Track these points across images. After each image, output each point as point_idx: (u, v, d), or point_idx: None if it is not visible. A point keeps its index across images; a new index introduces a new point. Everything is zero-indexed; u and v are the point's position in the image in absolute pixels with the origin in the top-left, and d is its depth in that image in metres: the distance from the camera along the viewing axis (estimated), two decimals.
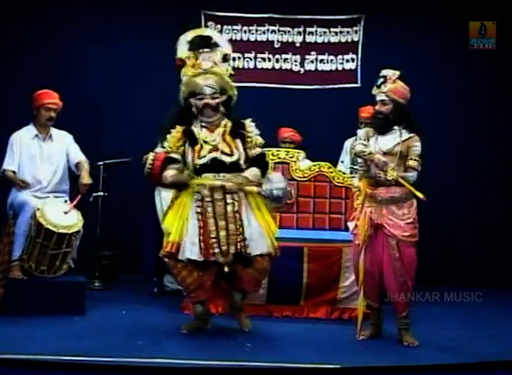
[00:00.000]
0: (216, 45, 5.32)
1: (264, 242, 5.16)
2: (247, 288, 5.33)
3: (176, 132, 5.25)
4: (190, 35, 5.36)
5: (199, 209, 5.10)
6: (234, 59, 7.67)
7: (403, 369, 4.46)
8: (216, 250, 5.06)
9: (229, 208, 5.10)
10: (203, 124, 5.25)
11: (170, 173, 5.20)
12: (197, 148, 5.18)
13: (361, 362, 4.75)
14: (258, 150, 5.30)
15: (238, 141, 5.24)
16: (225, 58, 5.34)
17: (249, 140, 5.25)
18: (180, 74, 5.32)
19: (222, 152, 5.17)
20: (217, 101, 5.20)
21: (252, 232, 5.13)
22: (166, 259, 5.16)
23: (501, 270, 7.59)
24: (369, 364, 4.63)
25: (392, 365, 4.62)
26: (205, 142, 5.19)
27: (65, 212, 6.00)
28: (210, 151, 5.16)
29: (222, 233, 5.08)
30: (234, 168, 5.18)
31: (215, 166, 5.15)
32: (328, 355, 4.87)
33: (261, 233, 5.15)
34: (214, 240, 5.06)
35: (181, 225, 5.12)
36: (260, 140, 5.30)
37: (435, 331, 5.60)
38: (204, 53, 5.26)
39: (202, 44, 5.30)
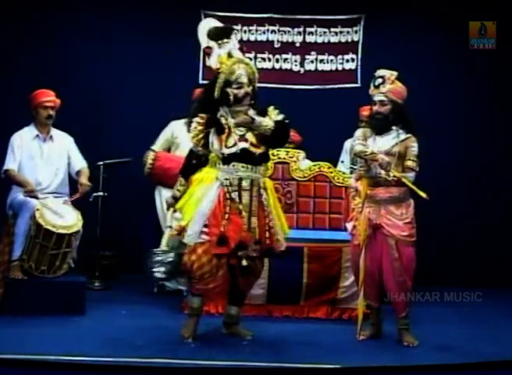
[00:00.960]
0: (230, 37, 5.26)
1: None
2: (245, 288, 5.30)
3: (199, 123, 5.10)
4: (208, 25, 5.36)
5: (222, 197, 4.96)
6: None
7: (403, 369, 4.47)
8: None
9: (255, 200, 5.02)
10: (232, 114, 5.09)
11: (175, 192, 5.19)
12: (224, 136, 5.04)
13: (361, 362, 4.75)
14: (281, 116, 5.15)
15: None
16: (241, 49, 5.27)
17: (269, 114, 5.13)
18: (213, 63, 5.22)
19: (251, 144, 5.05)
20: (250, 90, 5.09)
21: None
22: (187, 242, 4.98)
23: (501, 270, 7.59)
24: (369, 364, 4.63)
25: (392, 365, 4.62)
26: (231, 131, 5.05)
27: (63, 203, 6.06)
28: (238, 141, 5.03)
29: (255, 229, 5.00)
30: (261, 160, 5.11)
31: (245, 157, 5.03)
32: (328, 355, 4.87)
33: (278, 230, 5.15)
34: (248, 234, 4.96)
35: (194, 209, 4.96)
36: (278, 116, 5.14)
37: (435, 331, 5.60)
38: (225, 43, 5.18)
39: (222, 34, 5.23)
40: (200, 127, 5.08)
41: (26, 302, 5.72)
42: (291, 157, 6.34)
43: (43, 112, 6.18)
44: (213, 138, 5.06)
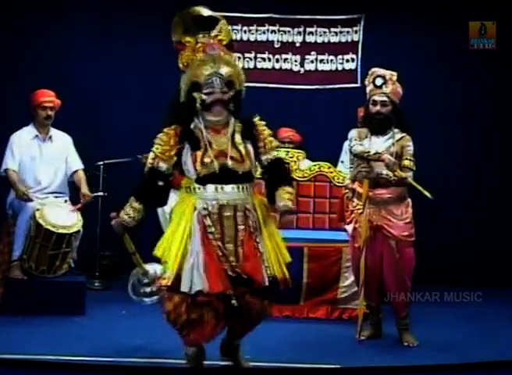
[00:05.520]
0: (219, 29, 4.36)
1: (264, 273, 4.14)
2: (240, 332, 4.38)
3: (169, 132, 4.20)
4: (187, 15, 4.40)
5: (203, 229, 4.11)
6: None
7: (403, 369, 4.46)
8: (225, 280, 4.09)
9: (241, 228, 4.14)
10: (207, 124, 4.21)
11: (123, 216, 4.23)
12: (200, 152, 4.15)
13: (361, 362, 4.76)
14: (274, 154, 4.32)
15: (249, 145, 4.23)
16: (230, 46, 4.37)
17: (262, 143, 4.26)
18: (179, 61, 4.37)
19: (232, 159, 4.15)
20: (228, 96, 4.16)
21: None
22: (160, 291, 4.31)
23: (501, 270, 7.59)
24: (369, 364, 4.64)
25: (392, 365, 4.62)
26: (210, 146, 4.16)
27: (71, 211, 6.06)
28: (216, 157, 4.13)
29: (232, 259, 4.10)
30: (246, 178, 4.19)
31: (224, 176, 4.14)
32: (328, 355, 4.87)
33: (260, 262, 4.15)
34: (224, 267, 4.10)
35: (180, 251, 4.11)
36: (275, 142, 4.35)
37: (435, 331, 5.61)
38: (205, 37, 4.29)
39: (203, 26, 4.32)
40: (172, 141, 4.18)
41: (26, 302, 5.73)
42: (291, 157, 6.35)
43: (42, 113, 6.18)
44: (187, 156, 4.18)
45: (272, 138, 4.32)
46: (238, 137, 4.21)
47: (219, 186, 4.13)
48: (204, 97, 4.15)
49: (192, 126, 4.25)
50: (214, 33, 4.30)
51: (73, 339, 5.09)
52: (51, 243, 5.88)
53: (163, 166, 4.19)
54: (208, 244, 4.10)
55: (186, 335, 4.22)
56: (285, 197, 4.24)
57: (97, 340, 5.08)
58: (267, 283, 4.12)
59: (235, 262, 4.10)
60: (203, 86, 4.15)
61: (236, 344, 4.42)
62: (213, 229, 4.11)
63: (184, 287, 4.08)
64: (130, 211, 4.23)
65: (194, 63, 4.22)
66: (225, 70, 4.17)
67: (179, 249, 4.10)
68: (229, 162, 4.14)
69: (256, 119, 4.31)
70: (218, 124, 4.21)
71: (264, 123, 4.33)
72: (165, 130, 4.21)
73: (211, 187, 4.14)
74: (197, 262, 4.07)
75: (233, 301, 4.09)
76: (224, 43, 4.30)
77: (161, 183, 4.20)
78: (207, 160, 4.13)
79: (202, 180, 4.16)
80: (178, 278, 4.08)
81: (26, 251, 5.88)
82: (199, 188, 4.16)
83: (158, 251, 4.22)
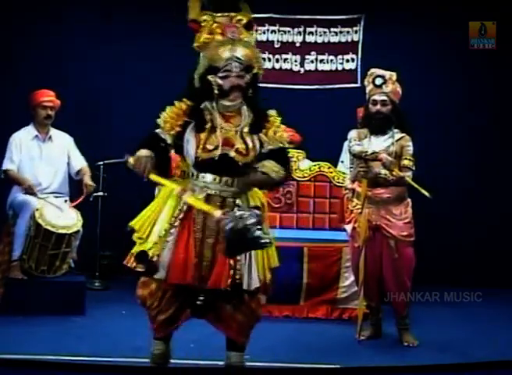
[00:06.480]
0: (239, 8, 4.12)
1: (256, 275, 3.90)
2: (231, 335, 4.05)
3: (177, 105, 3.99)
4: None
5: (182, 216, 3.90)
6: None
7: (403, 369, 4.46)
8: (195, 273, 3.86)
9: None
10: (219, 108, 3.96)
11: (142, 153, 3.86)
12: (204, 135, 3.89)
13: (361, 362, 4.76)
14: (279, 144, 4.03)
15: (256, 138, 3.96)
16: (249, 26, 4.19)
17: (269, 133, 4.00)
18: (195, 42, 4.04)
19: (237, 150, 3.90)
20: (245, 80, 3.94)
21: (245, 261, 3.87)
22: (141, 276, 4.18)
23: (501, 270, 7.59)
24: (369, 364, 4.64)
25: (392, 365, 4.62)
26: (216, 131, 3.91)
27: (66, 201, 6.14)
28: (220, 145, 3.89)
29: (208, 254, 3.87)
30: (245, 171, 3.92)
31: (224, 165, 3.88)
32: (328, 355, 4.87)
33: (253, 262, 3.89)
34: (195, 260, 3.86)
35: (163, 236, 3.96)
36: (285, 135, 4.09)
37: (435, 331, 5.61)
38: (224, 17, 4.03)
39: (222, 4, 4.08)
40: (178, 114, 3.96)
41: (26, 302, 5.73)
42: (291, 157, 6.34)
43: (42, 112, 6.19)
44: (190, 135, 3.92)
45: (282, 131, 4.06)
46: (246, 129, 3.96)
47: (215, 176, 3.89)
48: (219, 81, 3.91)
49: (202, 105, 3.99)
50: (233, 13, 4.08)
51: (73, 339, 5.09)
52: (50, 243, 5.89)
53: (165, 135, 3.96)
54: (185, 234, 3.89)
55: (157, 324, 4.07)
56: (273, 168, 3.91)
57: (97, 340, 5.08)
58: (229, 288, 3.81)
59: (209, 259, 3.86)
60: (220, 70, 3.91)
61: (238, 365, 4.07)
62: (197, 219, 3.88)
63: (160, 275, 3.99)
64: (144, 152, 3.88)
65: (212, 46, 3.98)
66: (243, 53, 3.99)
67: (162, 233, 3.95)
68: (232, 153, 3.88)
69: (271, 112, 4.08)
70: (230, 111, 3.97)
71: (279, 118, 4.08)
72: (176, 104, 4.01)
73: (206, 177, 3.90)
74: (167, 249, 3.91)
75: (200, 298, 3.86)
76: (243, 23, 4.12)
77: (163, 144, 3.93)
78: (209, 147, 3.88)
79: (200, 166, 3.92)
80: (156, 263, 3.95)
81: (26, 251, 5.88)
82: (194, 174, 3.94)
83: (137, 229, 4.12)
